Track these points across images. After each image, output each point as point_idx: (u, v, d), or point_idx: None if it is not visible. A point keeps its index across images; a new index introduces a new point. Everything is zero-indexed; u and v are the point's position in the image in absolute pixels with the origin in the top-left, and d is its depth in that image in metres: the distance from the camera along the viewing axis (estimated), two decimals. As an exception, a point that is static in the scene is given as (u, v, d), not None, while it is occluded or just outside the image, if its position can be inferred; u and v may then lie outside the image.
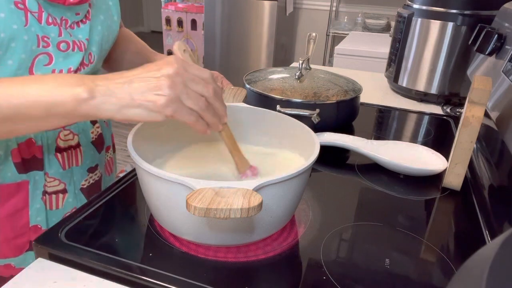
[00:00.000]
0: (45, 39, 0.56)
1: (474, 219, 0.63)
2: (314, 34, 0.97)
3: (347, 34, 2.74)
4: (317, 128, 0.78)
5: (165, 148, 0.64)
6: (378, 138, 0.93)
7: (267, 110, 0.68)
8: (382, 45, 2.20)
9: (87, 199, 0.72)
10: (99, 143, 0.74)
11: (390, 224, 0.60)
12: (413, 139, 0.94)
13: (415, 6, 1.14)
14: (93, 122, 0.72)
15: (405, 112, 1.09)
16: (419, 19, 1.13)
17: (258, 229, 0.51)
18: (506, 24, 0.81)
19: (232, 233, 0.51)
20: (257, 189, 0.44)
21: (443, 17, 1.08)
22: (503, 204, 0.60)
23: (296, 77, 0.90)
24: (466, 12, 1.06)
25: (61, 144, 0.65)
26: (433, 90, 1.15)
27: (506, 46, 0.77)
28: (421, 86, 1.17)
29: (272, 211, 0.50)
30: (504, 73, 0.71)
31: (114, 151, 0.84)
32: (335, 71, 1.02)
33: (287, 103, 0.83)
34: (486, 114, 0.73)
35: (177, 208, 0.48)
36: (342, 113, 0.88)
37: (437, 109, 1.13)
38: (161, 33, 4.16)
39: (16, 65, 0.54)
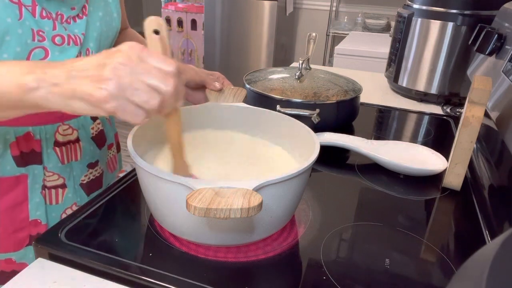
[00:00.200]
0: (40, 33, 0.56)
1: (474, 219, 0.63)
2: (314, 34, 0.97)
3: (347, 34, 2.74)
4: (317, 128, 0.78)
5: (165, 148, 0.64)
6: (378, 138, 0.93)
7: (267, 110, 0.68)
8: (382, 45, 2.20)
9: (87, 195, 0.72)
10: (99, 140, 0.74)
11: (390, 224, 0.60)
12: (413, 139, 0.94)
13: (415, 6, 1.14)
14: (94, 118, 0.72)
15: (405, 112, 1.09)
16: (419, 19, 1.13)
17: (258, 229, 0.51)
18: (506, 24, 0.81)
19: (232, 233, 0.51)
20: (257, 189, 0.44)
21: (443, 17, 1.08)
22: (503, 204, 0.60)
23: (296, 77, 0.90)
24: (466, 12, 1.06)
25: (60, 138, 0.65)
26: (433, 90, 1.15)
27: (506, 46, 0.77)
28: (421, 86, 1.17)
29: (272, 211, 0.50)
30: (504, 73, 0.71)
31: (118, 150, 0.84)
32: (335, 71, 1.02)
33: (287, 103, 0.83)
34: (486, 114, 0.73)
35: (177, 208, 0.48)
36: (342, 113, 0.88)
37: (437, 109, 1.13)
38: (161, 33, 4.15)
39: (12, 59, 0.55)
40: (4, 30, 0.53)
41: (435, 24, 1.10)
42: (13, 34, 0.53)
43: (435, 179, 0.73)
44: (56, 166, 0.65)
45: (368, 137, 0.82)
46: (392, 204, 0.66)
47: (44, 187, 0.65)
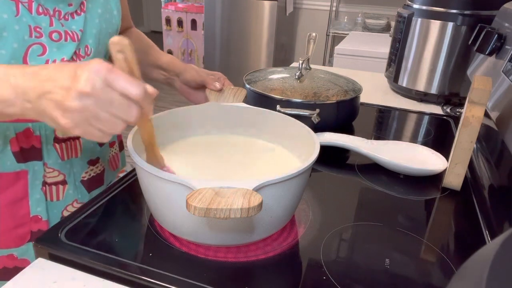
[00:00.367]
0: (38, 29, 0.57)
1: (474, 219, 0.63)
2: (314, 34, 0.97)
3: (347, 34, 2.74)
4: (317, 128, 0.78)
5: (165, 147, 0.64)
6: (378, 138, 0.93)
7: (267, 110, 0.68)
8: (382, 45, 2.20)
9: (88, 192, 0.72)
10: None
11: (390, 224, 0.60)
12: (413, 139, 0.94)
13: (415, 6, 1.14)
14: None
15: (405, 112, 1.09)
16: (419, 19, 1.13)
17: (258, 229, 0.51)
18: (506, 24, 0.81)
19: (232, 233, 0.51)
20: (257, 189, 0.44)
21: (443, 17, 1.08)
22: (503, 204, 0.60)
23: (296, 77, 0.90)
24: (466, 12, 1.06)
25: (60, 135, 0.65)
26: (433, 90, 1.15)
27: (506, 46, 0.77)
28: (421, 86, 1.17)
29: (272, 211, 0.50)
30: (504, 73, 0.71)
31: (121, 149, 0.84)
32: (335, 71, 1.02)
33: (287, 103, 0.83)
34: (486, 114, 0.73)
35: (177, 208, 0.48)
36: (342, 113, 0.88)
37: (437, 109, 1.13)
38: (161, 33, 4.16)
39: (9, 55, 0.55)
40: (1, 27, 0.53)
41: (435, 24, 1.10)
42: (10, 30, 0.54)
43: (435, 179, 0.73)
44: (56, 162, 0.66)
45: (368, 137, 0.82)
46: (392, 204, 0.66)
47: (44, 183, 0.65)
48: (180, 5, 3.96)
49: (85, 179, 0.71)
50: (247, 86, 0.88)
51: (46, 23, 0.58)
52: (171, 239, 0.54)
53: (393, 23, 1.56)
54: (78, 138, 0.69)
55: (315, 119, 0.81)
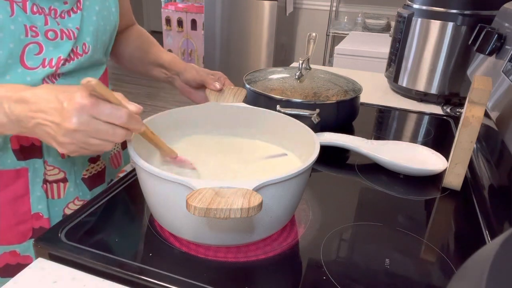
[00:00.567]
0: (33, 28, 0.57)
1: (474, 219, 0.63)
2: (314, 34, 0.97)
3: (347, 34, 2.74)
4: (317, 128, 0.78)
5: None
6: (378, 138, 0.93)
7: (267, 110, 0.68)
8: (382, 45, 2.20)
9: (89, 189, 0.72)
10: None
11: (390, 224, 0.60)
12: (413, 139, 0.94)
13: (415, 6, 1.14)
14: None
15: (405, 112, 1.09)
16: (419, 19, 1.13)
17: (258, 229, 0.51)
18: (506, 24, 0.81)
19: (232, 233, 0.51)
20: (257, 189, 0.44)
21: (443, 17, 1.08)
22: (503, 204, 0.60)
23: (296, 77, 0.90)
24: (466, 12, 1.06)
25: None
26: (433, 90, 1.15)
27: (506, 46, 0.77)
28: (421, 86, 1.17)
29: (272, 211, 0.50)
30: (504, 73, 0.71)
31: (124, 147, 0.84)
32: (335, 71, 1.02)
33: (287, 103, 0.83)
34: (486, 114, 0.73)
35: (177, 208, 0.48)
36: (342, 113, 0.88)
37: (437, 109, 1.13)
38: (161, 33, 4.16)
39: (6, 55, 0.55)
40: None
41: (435, 24, 1.10)
42: (5, 30, 0.54)
43: (435, 179, 0.73)
44: (56, 160, 0.66)
45: (368, 137, 0.82)
46: (392, 204, 0.66)
47: (45, 181, 0.65)
48: (180, 5, 3.96)
49: (86, 177, 0.71)
50: (247, 86, 0.88)
51: (41, 22, 0.58)
52: (171, 239, 0.54)
53: (393, 23, 1.56)
54: None
55: (315, 119, 0.81)
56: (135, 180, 0.67)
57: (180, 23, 4.01)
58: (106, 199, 0.62)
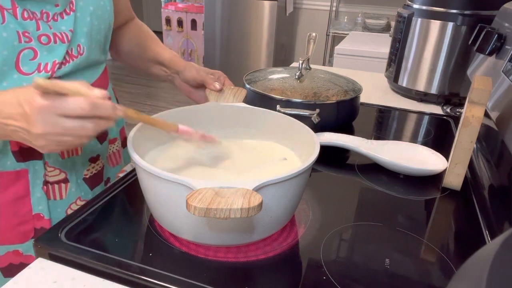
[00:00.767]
0: (26, 34, 0.57)
1: (474, 219, 0.63)
2: (314, 34, 0.97)
3: (347, 34, 2.74)
4: (317, 128, 0.78)
5: (166, 148, 0.64)
6: (378, 138, 0.93)
7: (267, 110, 0.68)
8: (382, 45, 2.20)
9: (91, 189, 0.72)
10: (100, 134, 0.74)
11: (390, 224, 0.60)
12: (413, 139, 0.94)
13: (415, 6, 1.14)
14: None
15: (405, 112, 1.09)
16: (419, 19, 1.13)
17: (258, 229, 0.51)
18: (506, 24, 0.81)
19: (232, 233, 0.51)
20: (257, 189, 0.44)
21: (443, 17, 1.08)
22: (503, 204, 0.60)
23: (296, 77, 0.90)
24: (466, 12, 1.06)
25: None
26: (433, 90, 1.15)
27: (506, 46, 0.77)
28: (421, 86, 1.17)
29: (272, 211, 0.50)
30: (504, 73, 0.71)
31: (124, 146, 0.84)
32: (335, 71, 1.02)
33: (287, 103, 0.83)
34: (486, 114, 0.73)
35: (177, 208, 0.48)
36: (342, 113, 0.88)
37: (437, 109, 1.13)
38: (161, 33, 4.16)
39: (1, 61, 0.55)
40: None
41: (435, 24, 1.10)
42: None
43: (435, 179, 0.73)
44: (56, 161, 0.66)
45: (368, 137, 0.82)
46: (392, 204, 0.66)
47: (46, 182, 0.65)
48: (180, 5, 3.96)
49: (87, 176, 0.71)
50: (247, 86, 0.88)
51: (33, 28, 0.57)
52: (171, 239, 0.54)
53: (393, 23, 1.56)
54: None
55: (315, 119, 0.81)
56: (135, 180, 0.67)
57: (180, 23, 4.01)
58: (106, 199, 0.62)
